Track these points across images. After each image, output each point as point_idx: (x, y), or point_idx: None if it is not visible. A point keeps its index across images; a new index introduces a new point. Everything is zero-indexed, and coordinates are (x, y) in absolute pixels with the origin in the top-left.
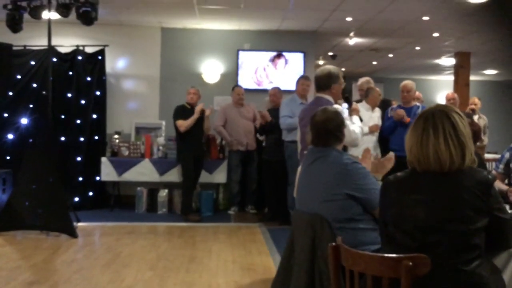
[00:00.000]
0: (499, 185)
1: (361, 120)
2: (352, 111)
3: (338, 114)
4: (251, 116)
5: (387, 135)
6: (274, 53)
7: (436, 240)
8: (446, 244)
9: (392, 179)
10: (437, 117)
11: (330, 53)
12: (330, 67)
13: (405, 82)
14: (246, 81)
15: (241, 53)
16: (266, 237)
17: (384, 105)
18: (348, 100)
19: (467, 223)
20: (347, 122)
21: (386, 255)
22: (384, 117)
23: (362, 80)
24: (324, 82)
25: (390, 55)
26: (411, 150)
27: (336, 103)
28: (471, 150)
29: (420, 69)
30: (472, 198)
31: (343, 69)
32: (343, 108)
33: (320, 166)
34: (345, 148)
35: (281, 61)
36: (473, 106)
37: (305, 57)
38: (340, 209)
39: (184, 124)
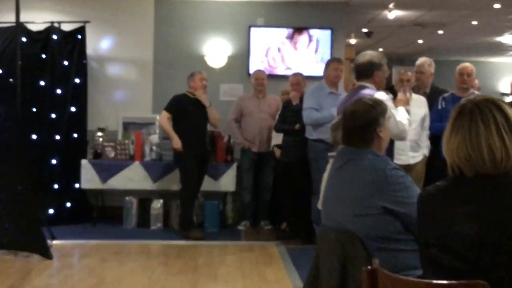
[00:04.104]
0: None
1: (408, 113)
2: (397, 102)
3: (372, 108)
4: (273, 110)
5: (437, 133)
6: (289, 29)
7: (492, 260)
8: (504, 266)
9: (431, 190)
10: (484, 106)
11: (365, 30)
12: (371, 53)
13: (465, 64)
14: (255, 66)
15: (253, 30)
16: (285, 259)
17: (435, 94)
18: (392, 90)
19: None
20: (393, 111)
21: (435, 281)
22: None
23: (421, 59)
24: (365, 69)
25: (440, 32)
26: (457, 151)
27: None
28: None
29: (477, 49)
30: None
31: (380, 49)
32: (385, 96)
33: (351, 172)
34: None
35: (303, 38)
36: None
37: (332, 34)
38: (375, 225)
39: (164, 120)
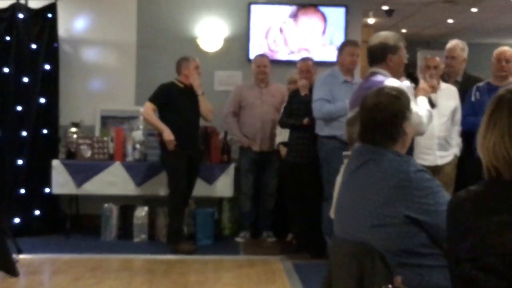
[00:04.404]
0: None
1: (432, 105)
2: (418, 91)
3: (397, 99)
4: (278, 102)
5: (470, 129)
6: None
7: None
8: None
9: (463, 196)
10: None
11: (385, 7)
12: (386, 33)
13: (503, 48)
14: (256, 50)
15: (254, 8)
16: (291, 276)
17: (468, 83)
18: (412, 76)
19: None
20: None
21: None
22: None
23: (452, 43)
24: (377, 53)
25: (474, 10)
26: (494, 150)
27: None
28: None
29: None
30: None
31: (403, 31)
32: (406, 85)
33: (369, 174)
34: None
35: (308, 17)
36: None
37: (347, 13)
38: (397, 237)
39: (149, 112)
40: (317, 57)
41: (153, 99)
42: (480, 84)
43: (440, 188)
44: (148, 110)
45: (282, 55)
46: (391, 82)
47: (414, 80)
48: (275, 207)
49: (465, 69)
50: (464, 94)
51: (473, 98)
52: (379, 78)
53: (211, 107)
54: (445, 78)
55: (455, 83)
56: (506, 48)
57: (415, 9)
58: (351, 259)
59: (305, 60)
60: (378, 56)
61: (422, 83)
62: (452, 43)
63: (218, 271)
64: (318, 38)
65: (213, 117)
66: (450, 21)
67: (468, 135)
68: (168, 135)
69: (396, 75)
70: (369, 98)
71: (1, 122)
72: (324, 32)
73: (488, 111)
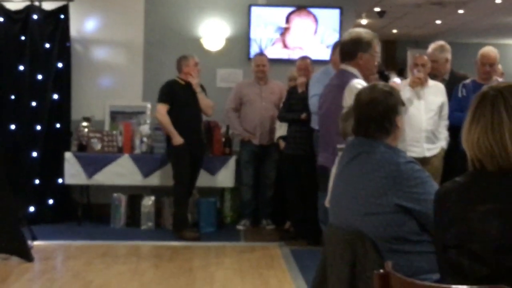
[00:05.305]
0: None
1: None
2: None
3: (390, 95)
4: (277, 98)
5: (456, 123)
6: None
7: None
8: None
9: (449, 187)
10: (508, 94)
11: (377, 9)
12: (359, 30)
13: (487, 49)
14: (256, 49)
15: (254, 10)
16: (288, 261)
17: (454, 81)
18: (383, 75)
19: None
20: None
21: (454, 286)
22: (453, 97)
23: (430, 48)
24: (348, 50)
25: (460, 11)
26: (478, 143)
27: (367, 79)
28: None
29: (502, 30)
30: None
31: (394, 31)
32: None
33: (362, 166)
34: None
35: (301, 18)
36: None
37: (341, 14)
38: (388, 225)
39: (164, 115)
40: (312, 56)
41: (163, 99)
42: (466, 81)
43: (429, 179)
44: (162, 111)
45: (279, 54)
46: (358, 83)
47: (385, 79)
48: (274, 197)
49: (452, 68)
50: (451, 91)
51: (459, 95)
52: (347, 78)
53: (210, 103)
54: (431, 76)
55: (442, 81)
56: (490, 51)
57: (406, 10)
58: (345, 246)
59: (303, 58)
60: (349, 53)
61: (395, 83)
62: (431, 47)
63: (220, 257)
64: (310, 38)
65: (213, 112)
66: (438, 22)
67: (454, 130)
68: (177, 141)
69: (366, 74)
70: (364, 94)
71: (17, 117)
72: (315, 32)
73: (473, 107)
